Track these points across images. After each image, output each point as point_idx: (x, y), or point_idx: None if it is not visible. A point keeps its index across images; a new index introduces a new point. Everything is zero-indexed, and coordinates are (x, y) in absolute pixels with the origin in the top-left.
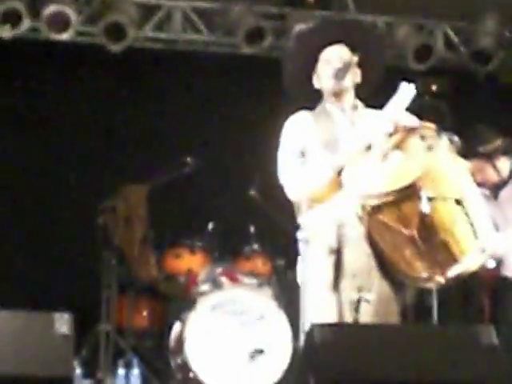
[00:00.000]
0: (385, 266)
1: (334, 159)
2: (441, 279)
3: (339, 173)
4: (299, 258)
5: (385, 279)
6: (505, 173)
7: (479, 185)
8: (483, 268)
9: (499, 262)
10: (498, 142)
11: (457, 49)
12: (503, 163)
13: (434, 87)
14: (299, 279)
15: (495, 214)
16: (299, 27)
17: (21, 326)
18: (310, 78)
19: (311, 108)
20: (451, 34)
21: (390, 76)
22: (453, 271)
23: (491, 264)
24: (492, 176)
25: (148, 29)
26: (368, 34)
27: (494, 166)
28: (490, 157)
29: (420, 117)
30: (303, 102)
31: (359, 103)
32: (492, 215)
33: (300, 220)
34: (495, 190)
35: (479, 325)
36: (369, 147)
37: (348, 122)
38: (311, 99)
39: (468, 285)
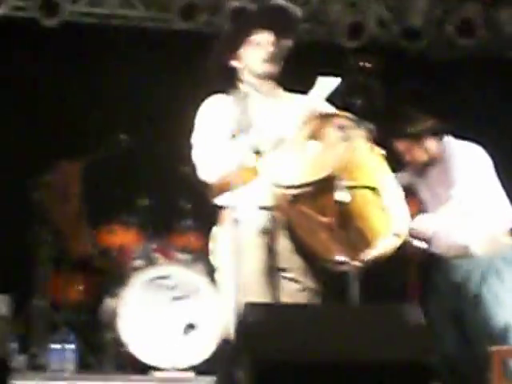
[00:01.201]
0: (303, 250)
1: (250, 143)
2: (356, 263)
3: (256, 158)
4: (222, 237)
5: (304, 262)
6: (433, 153)
7: (408, 164)
8: (413, 248)
9: (428, 241)
10: (427, 123)
11: (388, 26)
12: (431, 143)
13: (365, 65)
14: (221, 258)
15: (424, 194)
16: (233, 4)
17: None
18: (227, 60)
19: (224, 91)
20: (383, 11)
21: (322, 53)
22: (367, 255)
23: (420, 244)
24: (421, 156)
25: (82, 3)
26: (293, 22)
27: (423, 147)
28: (419, 137)
29: (351, 93)
30: (218, 82)
31: (275, 86)
32: (421, 195)
33: (223, 200)
34: (424, 169)
35: (405, 304)
36: (286, 133)
37: (266, 105)
38: (225, 81)
39: (394, 263)
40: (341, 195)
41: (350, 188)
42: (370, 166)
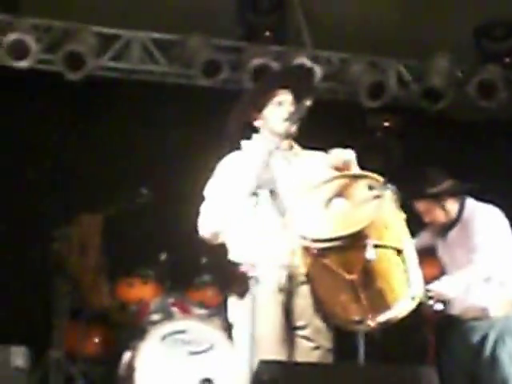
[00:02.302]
0: (320, 306)
1: (273, 200)
2: (371, 323)
3: (282, 214)
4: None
5: (320, 318)
6: (453, 214)
7: (428, 225)
8: (430, 310)
9: (447, 303)
10: (447, 184)
11: (409, 86)
12: (451, 204)
13: (385, 124)
14: (237, 314)
15: (443, 255)
16: (256, 61)
17: None
18: (249, 119)
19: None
20: (403, 71)
21: (344, 111)
22: (383, 317)
23: (439, 307)
24: (440, 217)
25: (106, 58)
26: (314, 81)
27: (443, 207)
28: (438, 198)
29: (371, 152)
30: (238, 139)
31: (294, 143)
32: (440, 256)
33: (239, 256)
34: (443, 230)
35: (420, 366)
36: (308, 189)
37: (285, 161)
38: (245, 139)
39: (412, 324)
40: (368, 253)
41: (377, 247)
42: (396, 227)
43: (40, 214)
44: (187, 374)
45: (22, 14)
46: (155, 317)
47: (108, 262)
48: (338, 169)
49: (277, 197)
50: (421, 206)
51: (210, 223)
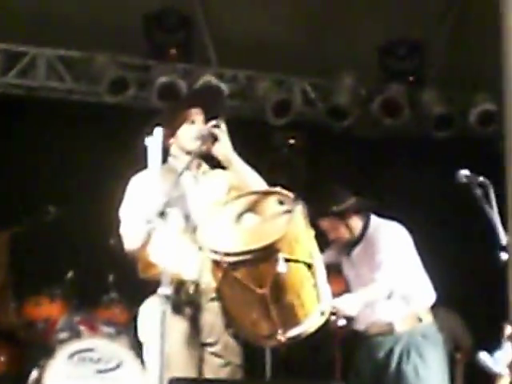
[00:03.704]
0: (230, 321)
1: (181, 217)
2: (281, 338)
3: (192, 231)
4: (148, 312)
5: (230, 334)
6: (357, 231)
7: (332, 242)
8: (334, 325)
9: (351, 319)
10: (351, 201)
11: (314, 104)
12: (355, 222)
13: (291, 141)
14: (146, 332)
15: (348, 272)
16: (161, 79)
17: None
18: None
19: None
20: (309, 89)
21: (249, 129)
22: (293, 332)
23: (341, 322)
24: (345, 234)
25: (12, 75)
26: (221, 99)
27: (347, 225)
28: (343, 215)
29: (276, 170)
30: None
31: (202, 162)
32: (345, 273)
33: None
34: (348, 248)
35: (328, 381)
36: (216, 206)
37: (194, 179)
38: None
39: (318, 339)
40: (280, 266)
41: (288, 261)
42: (306, 242)
43: None
44: None
45: None
46: (62, 335)
47: (15, 279)
48: (235, 188)
49: (187, 214)
50: (325, 223)
51: (130, 241)
